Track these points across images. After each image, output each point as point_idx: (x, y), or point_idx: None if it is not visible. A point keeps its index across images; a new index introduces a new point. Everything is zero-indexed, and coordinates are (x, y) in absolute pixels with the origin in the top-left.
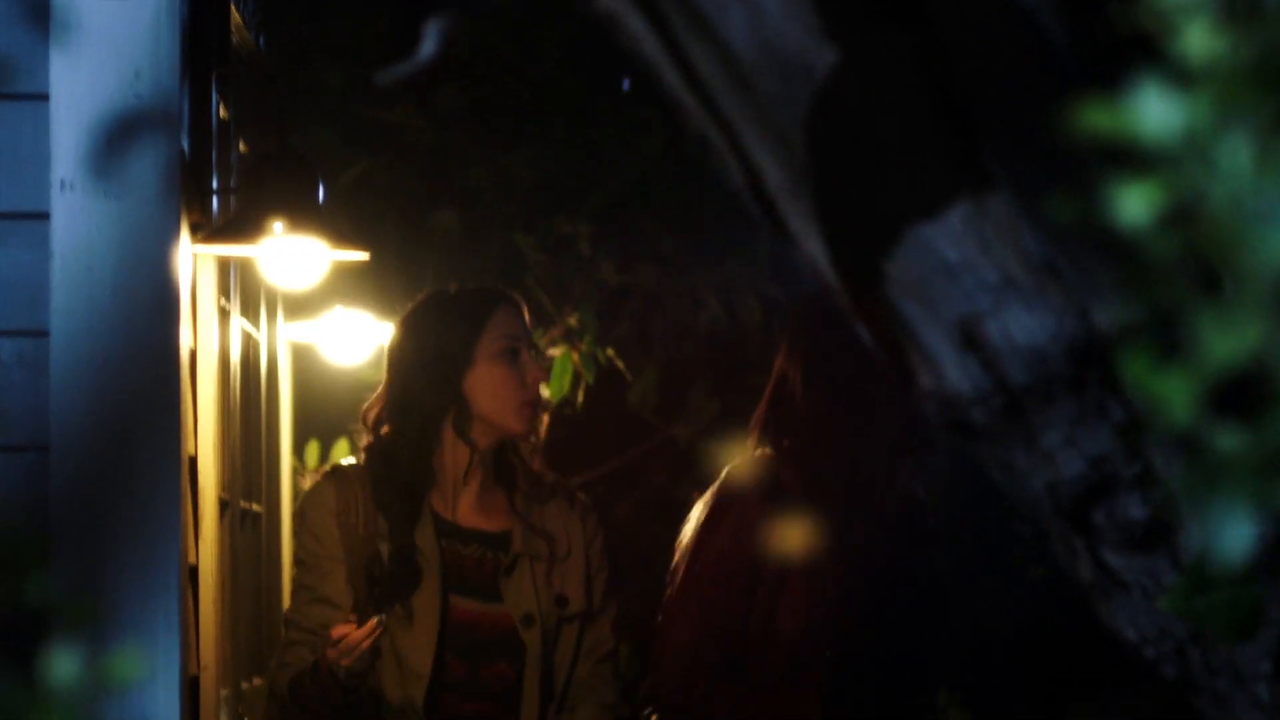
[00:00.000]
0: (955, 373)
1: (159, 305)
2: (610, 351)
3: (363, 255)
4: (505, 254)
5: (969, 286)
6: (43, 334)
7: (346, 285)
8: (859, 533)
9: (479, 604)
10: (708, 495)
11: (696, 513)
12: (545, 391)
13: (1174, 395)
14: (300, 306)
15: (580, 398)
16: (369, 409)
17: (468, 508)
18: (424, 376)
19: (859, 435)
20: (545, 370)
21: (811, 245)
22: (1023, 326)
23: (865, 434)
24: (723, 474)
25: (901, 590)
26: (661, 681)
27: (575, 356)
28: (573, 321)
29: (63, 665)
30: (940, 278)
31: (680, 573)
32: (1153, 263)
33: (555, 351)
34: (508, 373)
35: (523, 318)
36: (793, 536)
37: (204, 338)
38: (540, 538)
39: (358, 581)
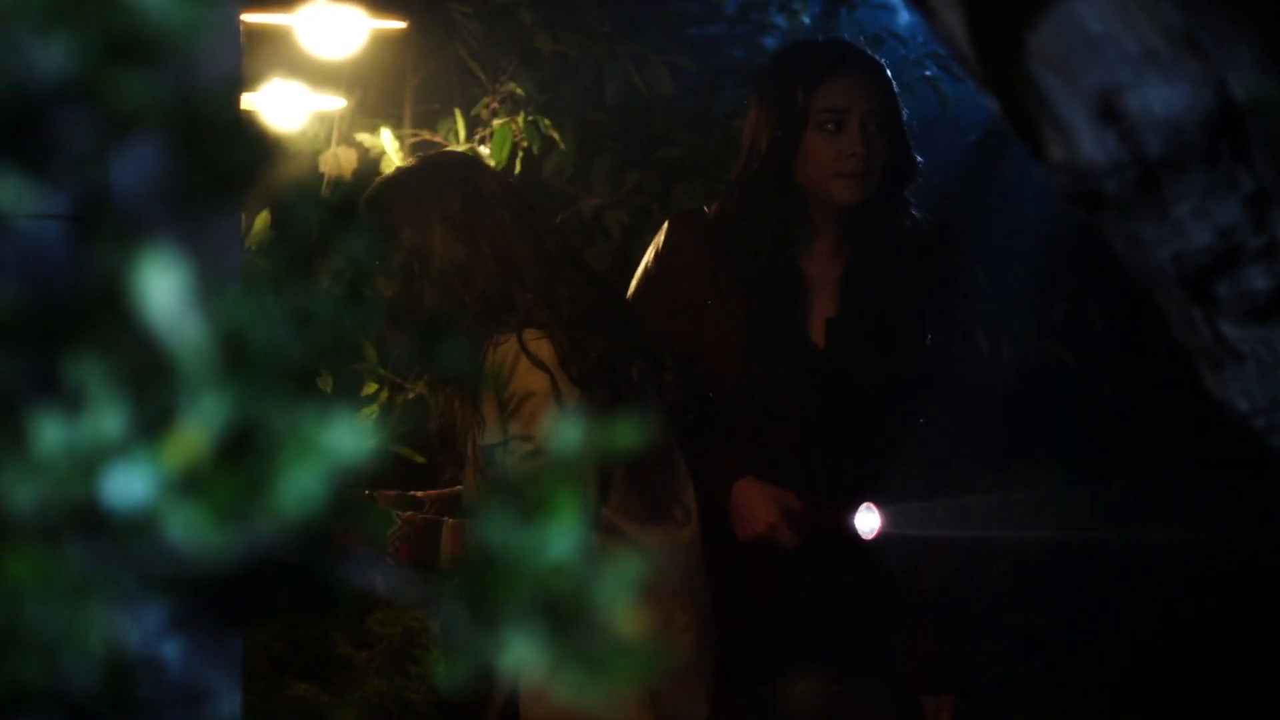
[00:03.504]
0: (1091, 145)
1: (224, 80)
2: (547, 121)
3: (400, 24)
4: (427, 23)
5: (1110, 59)
6: None
7: (269, 55)
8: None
9: None
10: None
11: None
12: None
13: None
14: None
15: (519, 168)
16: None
17: None
18: None
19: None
20: None
21: (949, 16)
22: (1161, 98)
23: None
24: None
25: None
26: None
27: (516, 126)
28: (518, 90)
29: None
30: (1082, 50)
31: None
32: None
33: (497, 122)
34: None
35: None
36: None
37: None
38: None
39: None
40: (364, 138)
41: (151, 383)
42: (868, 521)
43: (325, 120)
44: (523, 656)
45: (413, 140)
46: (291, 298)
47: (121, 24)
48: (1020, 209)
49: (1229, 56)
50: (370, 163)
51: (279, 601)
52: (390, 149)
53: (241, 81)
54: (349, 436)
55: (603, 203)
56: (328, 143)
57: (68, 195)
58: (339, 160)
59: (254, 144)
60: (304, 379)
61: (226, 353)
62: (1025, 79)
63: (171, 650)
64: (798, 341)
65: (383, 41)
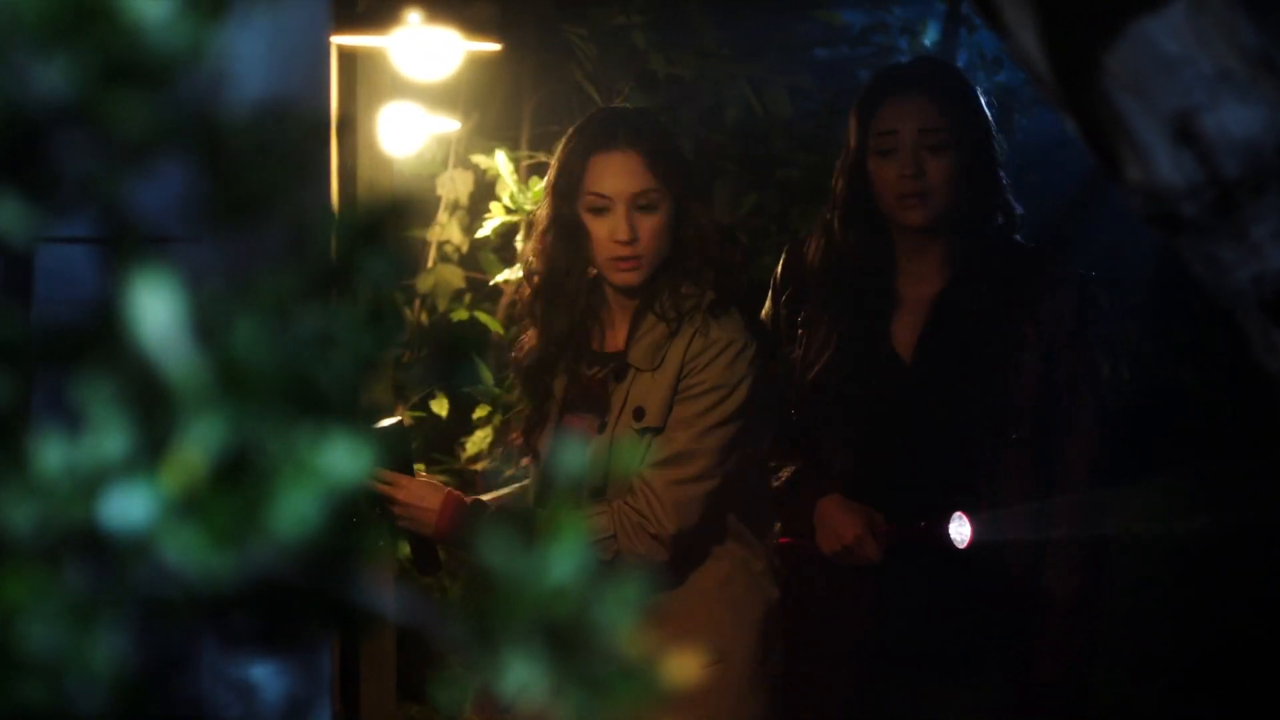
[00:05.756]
0: (1168, 166)
1: (310, 101)
2: None
3: (495, 46)
4: (543, 45)
5: (1186, 79)
6: None
7: (385, 77)
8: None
9: (589, 416)
10: None
11: None
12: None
13: None
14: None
15: None
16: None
17: (610, 334)
18: None
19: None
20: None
21: (1026, 37)
22: (1238, 119)
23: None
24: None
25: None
26: None
27: None
28: None
29: None
30: (1158, 71)
31: None
32: None
33: None
34: (595, 225)
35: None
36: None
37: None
38: (646, 352)
39: None
40: (480, 159)
41: (151, 406)
42: (959, 531)
43: (443, 143)
44: (523, 679)
45: (529, 162)
46: (307, 319)
47: (121, 47)
48: (1143, 231)
49: None
50: (484, 185)
51: (294, 624)
52: (505, 171)
53: (322, 101)
54: (346, 458)
55: (728, 224)
56: (444, 165)
57: (83, 218)
58: (455, 182)
59: (277, 166)
60: (311, 401)
61: (223, 375)
62: (1101, 99)
63: (260, 670)
64: (884, 358)
65: (499, 64)
